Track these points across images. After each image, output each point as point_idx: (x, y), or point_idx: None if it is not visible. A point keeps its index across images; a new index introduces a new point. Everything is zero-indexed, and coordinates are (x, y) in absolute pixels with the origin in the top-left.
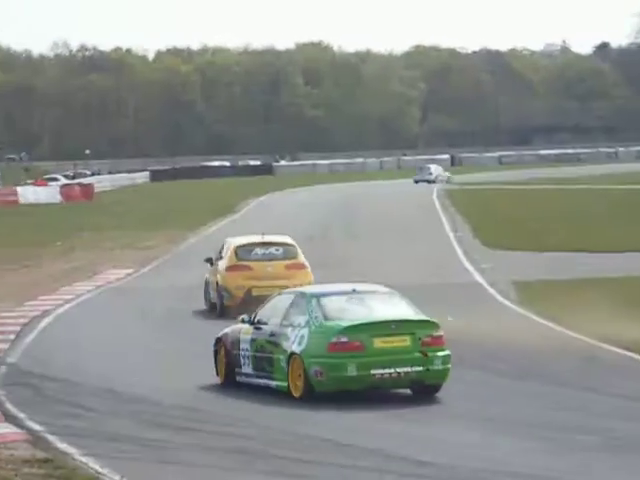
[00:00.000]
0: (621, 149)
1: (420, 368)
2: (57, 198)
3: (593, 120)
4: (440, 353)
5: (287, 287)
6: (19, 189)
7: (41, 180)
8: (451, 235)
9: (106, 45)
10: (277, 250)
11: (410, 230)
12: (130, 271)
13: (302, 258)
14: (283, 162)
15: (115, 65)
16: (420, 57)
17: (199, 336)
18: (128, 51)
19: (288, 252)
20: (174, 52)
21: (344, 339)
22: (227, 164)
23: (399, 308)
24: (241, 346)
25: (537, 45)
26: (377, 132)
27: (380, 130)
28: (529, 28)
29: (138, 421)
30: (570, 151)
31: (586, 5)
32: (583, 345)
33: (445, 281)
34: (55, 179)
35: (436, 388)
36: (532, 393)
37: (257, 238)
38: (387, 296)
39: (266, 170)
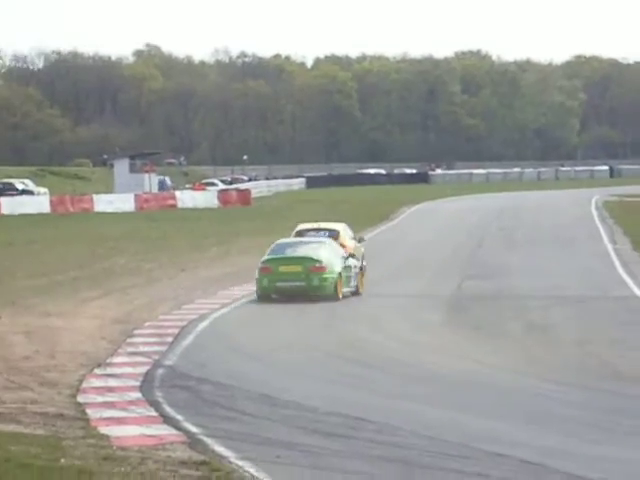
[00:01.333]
0: None
1: (303, 283)
2: (215, 203)
3: None
4: (318, 276)
5: None
6: (177, 193)
7: (199, 185)
8: (610, 247)
9: (265, 52)
10: (325, 234)
11: (568, 241)
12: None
13: (345, 240)
14: (439, 171)
15: (274, 72)
16: (580, 67)
17: (349, 340)
18: (287, 58)
19: (333, 235)
20: (332, 59)
21: (264, 265)
22: (382, 172)
23: (314, 251)
24: None
25: None
26: (535, 142)
27: (538, 140)
28: None
29: (293, 426)
30: None
31: None
32: None
33: (604, 294)
34: (213, 184)
35: (318, 297)
36: None
37: (313, 225)
38: (316, 244)
39: (421, 178)
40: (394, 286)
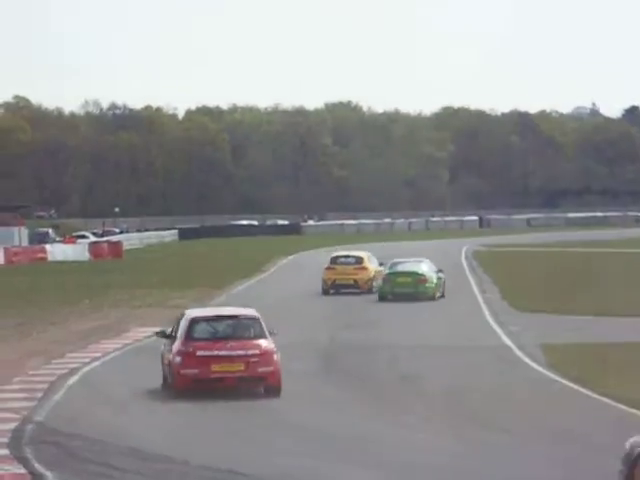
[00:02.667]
0: None
1: (412, 290)
2: (86, 256)
3: (622, 184)
4: (423, 285)
5: None
6: (48, 246)
7: (70, 237)
8: (479, 297)
9: (136, 103)
10: (354, 259)
11: None
12: (158, 330)
13: (369, 264)
14: (311, 222)
15: (145, 123)
16: (449, 118)
17: (222, 394)
18: (158, 109)
19: (359, 260)
20: (203, 111)
21: (386, 277)
22: (255, 223)
23: (419, 267)
24: None
25: (566, 107)
26: (405, 193)
27: (408, 191)
28: (558, 90)
29: None
30: (599, 214)
31: (615, 68)
32: (615, 410)
33: (474, 344)
34: (84, 236)
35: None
36: (566, 458)
37: (344, 252)
38: (418, 262)
39: (294, 229)
40: None
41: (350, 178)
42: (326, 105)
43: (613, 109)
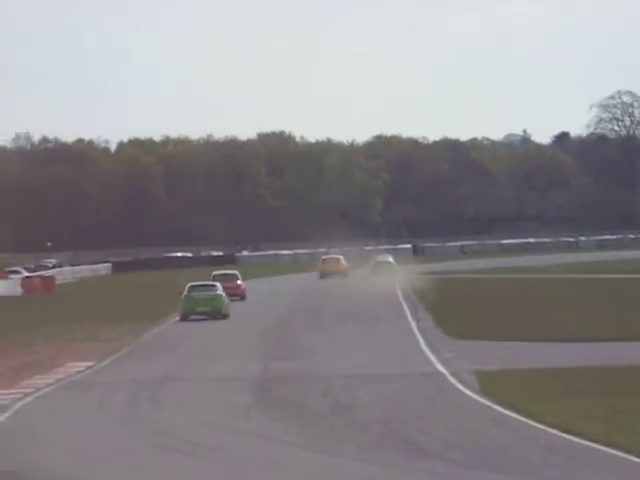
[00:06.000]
0: (582, 238)
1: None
2: (18, 291)
3: (554, 210)
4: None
5: None
6: None
7: (2, 273)
8: (413, 324)
9: (68, 137)
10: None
11: (373, 320)
12: (91, 364)
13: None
14: (245, 252)
15: (77, 157)
16: (382, 147)
17: (159, 430)
18: (90, 143)
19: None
20: (136, 143)
21: None
22: (189, 255)
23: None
24: None
25: (498, 135)
26: (340, 222)
27: (342, 220)
28: (490, 118)
29: None
30: (531, 240)
31: (546, 96)
32: (547, 436)
33: (408, 371)
34: (16, 271)
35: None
36: None
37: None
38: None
39: (228, 260)
40: (201, 369)
41: (284, 208)
42: (259, 135)
43: (544, 136)
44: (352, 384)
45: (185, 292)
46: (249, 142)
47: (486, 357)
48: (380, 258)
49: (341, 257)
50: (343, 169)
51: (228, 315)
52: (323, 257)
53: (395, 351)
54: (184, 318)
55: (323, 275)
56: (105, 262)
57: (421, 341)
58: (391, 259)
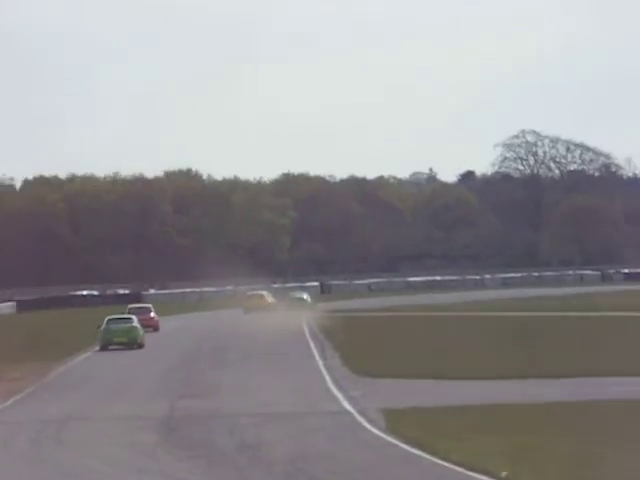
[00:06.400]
0: (487, 276)
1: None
2: None
3: (460, 247)
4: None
5: None
6: None
7: None
8: (320, 363)
9: None
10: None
11: (280, 358)
12: None
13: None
14: (152, 291)
15: None
16: (289, 185)
17: (64, 470)
18: None
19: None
20: (41, 181)
21: None
22: (96, 293)
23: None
24: None
25: (404, 173)
26: (247, 260)
27: (250, 258)
28: (396, 157)
29: None
30: (438, 278)
31: (451, 134)
32: (450, 473)
33: (315, 410)
34: None
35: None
36: None
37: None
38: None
39: (135, 299)
40: (106, 408)
41: (191, 246)
42: (166, 173)
43: (449, 174)
44: (259, 422)
45: (104, 325)
46: (156, 180)
47: (393, 395)
48: (296, 295)
49: (265, 293)
50: (250, 207)
51: (143, 345)
52: (248, 293)
53: (302, 389)
54: (103, 348)
55: (248, 311)
56: (9, 301)
57: (328, 379)
58: (306, 296)
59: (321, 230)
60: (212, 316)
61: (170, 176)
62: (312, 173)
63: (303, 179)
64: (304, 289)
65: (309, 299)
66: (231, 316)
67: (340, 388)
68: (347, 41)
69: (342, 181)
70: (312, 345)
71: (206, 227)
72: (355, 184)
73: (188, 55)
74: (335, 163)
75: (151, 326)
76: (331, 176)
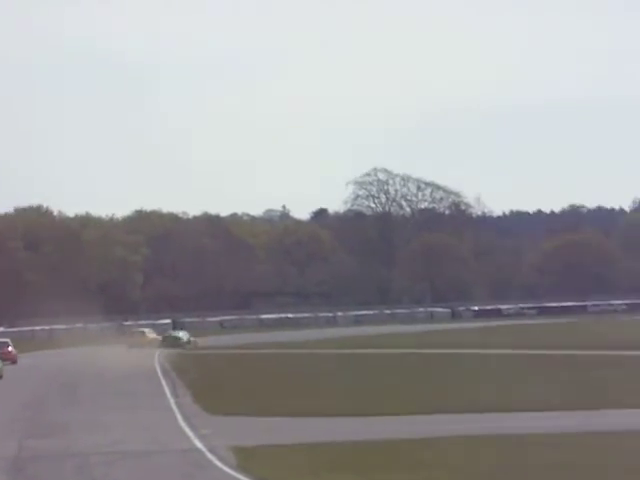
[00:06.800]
0: (339, 314)
1: None
2: None
3: (313, 285)
4: None
5: None
6: None
7: None
8: (172, 401)
9: None
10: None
11: (131, 396)
12: None
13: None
14: (1, 328)
15: None
16: (142, 222)
17: None
18: None
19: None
20: None
21: None
22: None
23: None
24: None
25: (257, 210)
26: (99, 297)
27: (102, 295)
28: (249, 194)
29: None
30: (290, 315)
31: (304, 172)
32: None
33: (165, 448)
34: None
35: None
36: None
37: None
38: None
39: None
40: None
41: (41, 283)
42: (16, 210)
43: (302, 212)
44: (109, 461)
45: None
46: (6, 216)
47: (244, 432)
48: (173, 333)
49: (146, 330)
50: (102, 244)
51: (2, 376)
52: (132, 330)
53: (153, 427)
54: None
55: (131, 347)
56: None
57: (179, 417)
58: (182, 334)
59: (174, 267)
60: (63, 353)
61: (20, 212)
62: (165, 210)
63: (156, 216)
64: (151, 327)
65: (186, 337)
66: (87, 355)
67: (191, 426)
68: (195, 79)
69: (195, 218)
70: (164, 383)
71: (56, 264)
72: (208, 221)
73: (41, 87)
74: (188, 200)
75: (9, 359)
76: (184, 213)
